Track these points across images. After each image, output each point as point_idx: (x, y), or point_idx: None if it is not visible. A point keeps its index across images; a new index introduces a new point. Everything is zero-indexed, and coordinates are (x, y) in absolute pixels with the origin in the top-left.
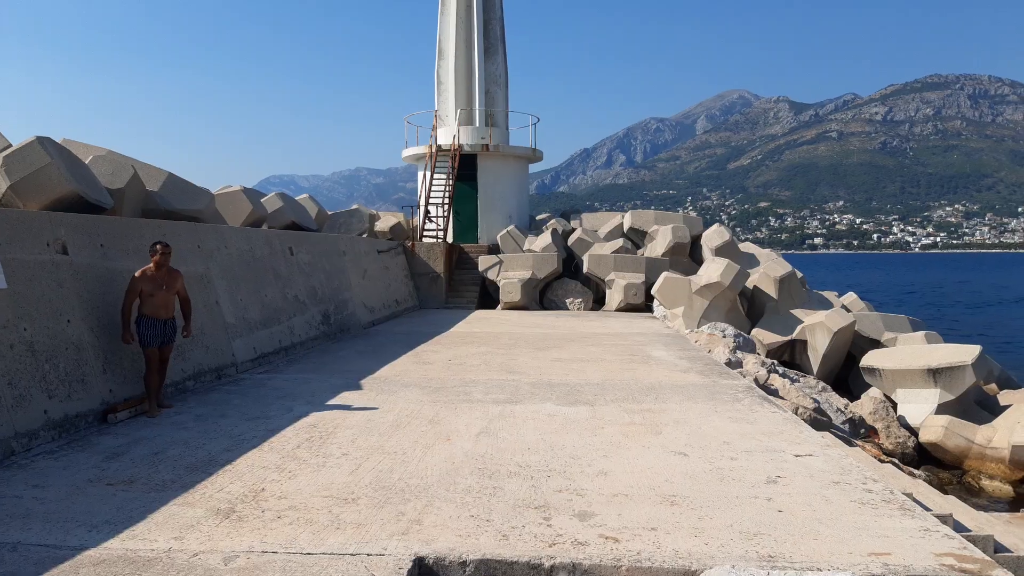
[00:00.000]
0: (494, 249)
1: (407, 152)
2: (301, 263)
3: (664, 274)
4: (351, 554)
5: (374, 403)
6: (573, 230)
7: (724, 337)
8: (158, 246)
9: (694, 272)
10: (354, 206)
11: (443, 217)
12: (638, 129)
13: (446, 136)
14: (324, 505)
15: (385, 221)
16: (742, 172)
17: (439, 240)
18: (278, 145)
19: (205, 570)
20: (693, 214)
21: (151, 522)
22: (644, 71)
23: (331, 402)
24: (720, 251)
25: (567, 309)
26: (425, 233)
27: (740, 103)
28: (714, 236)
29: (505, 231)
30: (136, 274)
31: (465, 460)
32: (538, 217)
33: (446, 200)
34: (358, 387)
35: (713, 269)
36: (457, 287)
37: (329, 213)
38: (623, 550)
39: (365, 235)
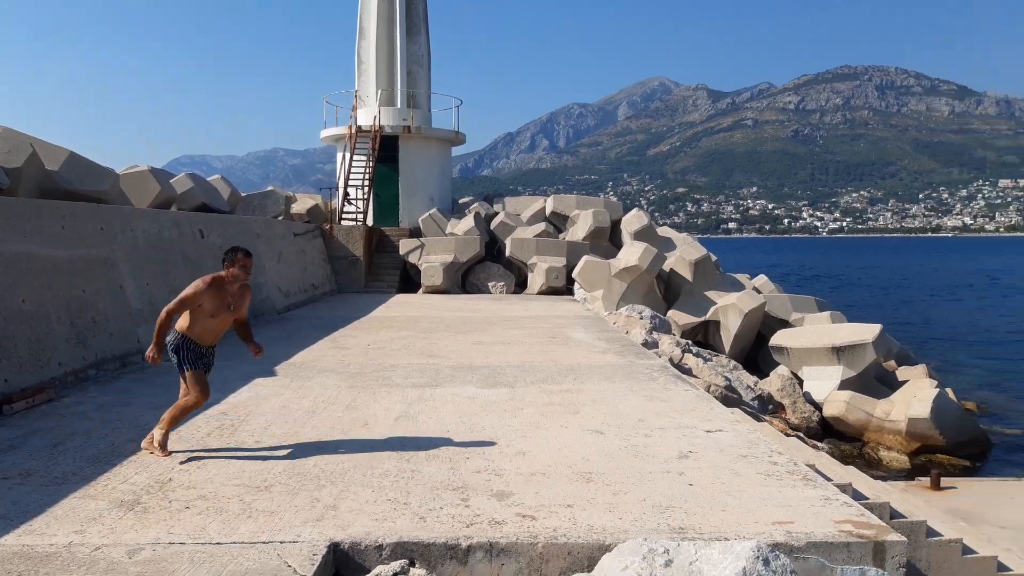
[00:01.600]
0: (415, 232)
1: (326, 133)
2: (212, 246)
3: (585, 258)
4: (263, 542)
5: (289, 389)
6: (496, 214)
7: (641, 319)
8: (239, 254)
9: (614, 256)
10: (269, 188)
11: (363, 200)
12: (561, 114)
13: (366, 117)
14: (235, 494)
15: (302, 203)
16: (661, 158)
17: (358, 223)
18: (190, 124)
19: (108, 564)
20: (614, 199)
21: (50, 516)
22: (567, 56)
23: (243, 389)
24: (639, 235)
25: (489, 293)
26: (344, 216)
27: (660, 90)
28: (633, 220)
29: (427, 214)
30: (203, 282)
31: (383, 445)
32: (461, 200)
33: (366, 182)
34: (272, 373)
35: (632, 253)
36: (377, 271)
37: (243, 195)
38: (540, 527)
39: (281, 217)
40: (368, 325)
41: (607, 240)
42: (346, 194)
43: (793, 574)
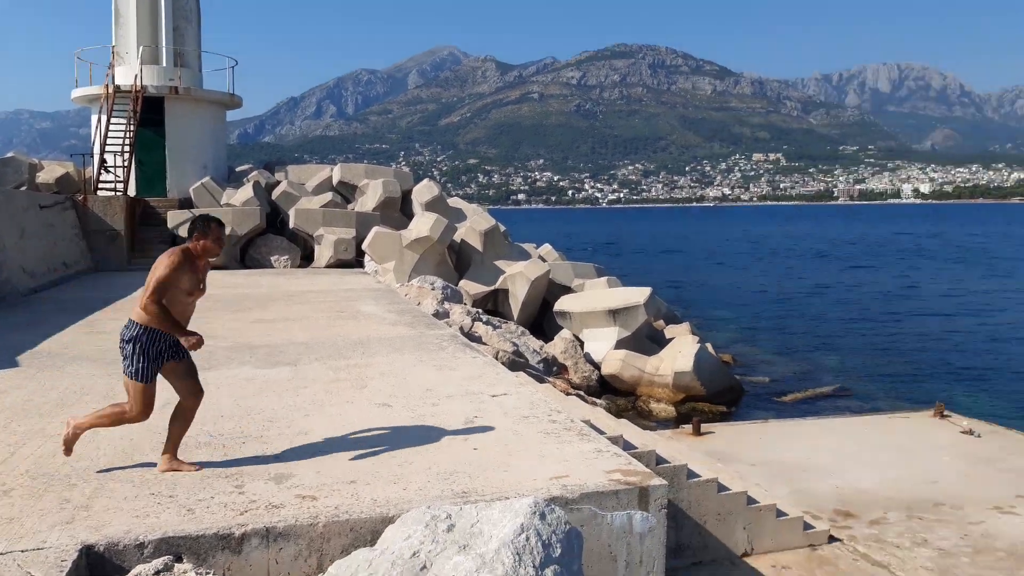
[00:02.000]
0: (186, 203)
1: (78, 93)
2: None
3: (375, 229)
4: (0, 553)
5: (33, 381)
6: (278, 183)
7: (433, 289)
8: (212, 224)
9: (405, 227)
10: (9, 154)
11: (123, 167)
12: (349, 80)
13: (126, 76)
14: None
15: (50, 172)
16: (453, 129)
17: (118, 193)
18: None
19: None
20: (406, 169)
21: None
22: (354, 19)
23: None
24: (430, 206)
25: (272, 267)
26: (101, 185)
27: (450, 60)
28: (424, 191)
29: (199, 183)
30: (176, 257)
31: (146, 434)
32: (238, 169)
33: (127, 148)
34: (14, 364)
35: (423, 223)
36: (142, 246)
37: None
38: (320, 507)
39: (24, 188)
40: (131, 306)
41: (398, 211)
42: (103, 161)
43: (567, 525)
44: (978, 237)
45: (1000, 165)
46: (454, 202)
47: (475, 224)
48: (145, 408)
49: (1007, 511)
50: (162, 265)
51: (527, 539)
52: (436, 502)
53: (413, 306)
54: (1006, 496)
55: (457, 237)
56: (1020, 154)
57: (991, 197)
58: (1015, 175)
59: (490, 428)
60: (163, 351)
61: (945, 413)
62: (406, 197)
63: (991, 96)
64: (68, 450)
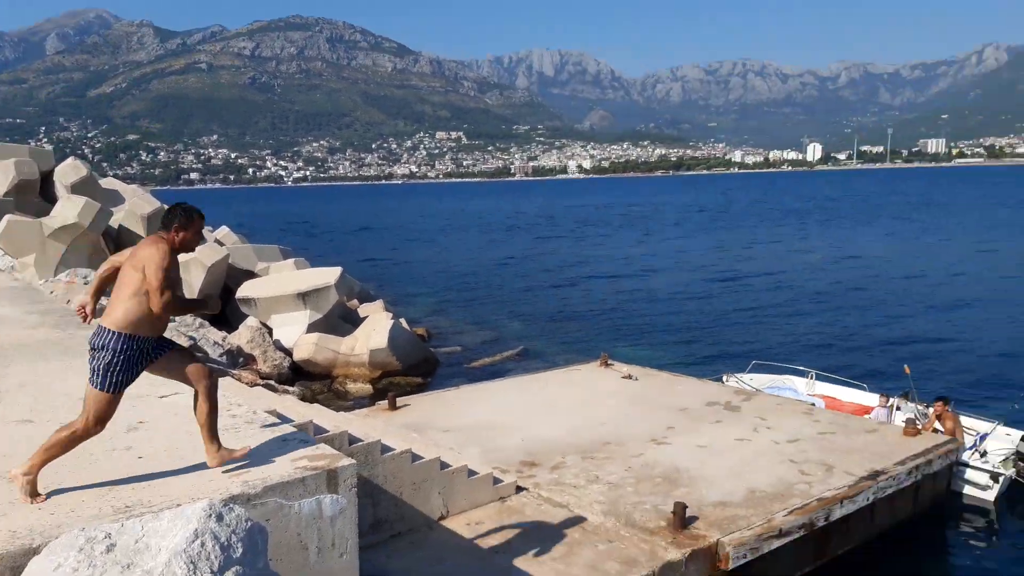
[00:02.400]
0: None
1: None
2: None
3: (7, 217)
4: None
5: None
6: None
7: (87, 283)
8: (196, 216)
9: (47, 213)
10: None
11: None
12: None
13: None
14: None
15: None
16: (106, 101)
17: None
18: None
19: None
20: (48, 147)
21: None
22: None
23: None
24: (77, 188)
25: None
26: None
27: (98, 23)
28: (69, 172)
29: None
30: (164, 245)
31: None
32: None
33: None
34: None
35: (69, 209)
36: None
37: None
38: None
39: None
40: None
41: (37, 195)
42: None
43: (248, 522)
44: (636, 207)
45: (646, 142)
46: (109, 183)
47: (135, 207)
48: (106, 419)
49: (661, 442)
50: (159, 256)
51: (202, 545)
52: (93, 522)
53: (61, 305)
54: (659, 430)
55: (114, 223)
56: (661, 133)
57: (640, 171)
58: (657, 151)
59: (158, 432)
60: (147, 354)
61: (609, 362)
62: (47, 179)
63: (636, 81)
64: (34, 494)
